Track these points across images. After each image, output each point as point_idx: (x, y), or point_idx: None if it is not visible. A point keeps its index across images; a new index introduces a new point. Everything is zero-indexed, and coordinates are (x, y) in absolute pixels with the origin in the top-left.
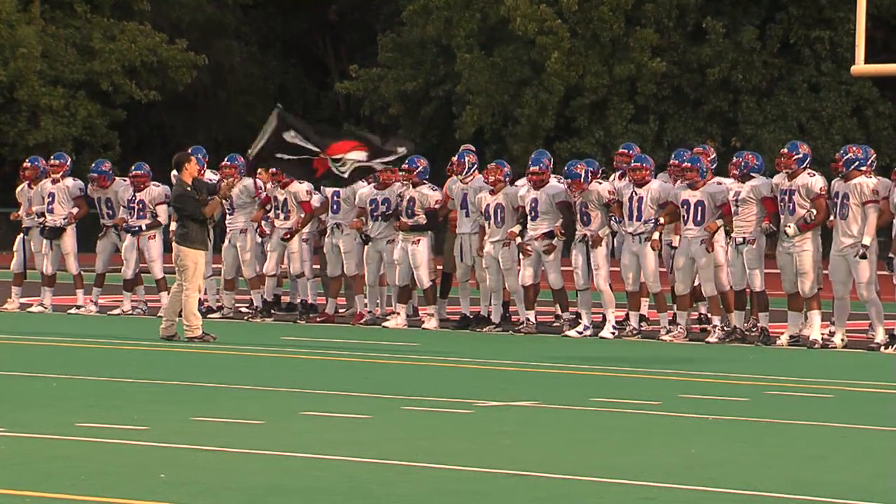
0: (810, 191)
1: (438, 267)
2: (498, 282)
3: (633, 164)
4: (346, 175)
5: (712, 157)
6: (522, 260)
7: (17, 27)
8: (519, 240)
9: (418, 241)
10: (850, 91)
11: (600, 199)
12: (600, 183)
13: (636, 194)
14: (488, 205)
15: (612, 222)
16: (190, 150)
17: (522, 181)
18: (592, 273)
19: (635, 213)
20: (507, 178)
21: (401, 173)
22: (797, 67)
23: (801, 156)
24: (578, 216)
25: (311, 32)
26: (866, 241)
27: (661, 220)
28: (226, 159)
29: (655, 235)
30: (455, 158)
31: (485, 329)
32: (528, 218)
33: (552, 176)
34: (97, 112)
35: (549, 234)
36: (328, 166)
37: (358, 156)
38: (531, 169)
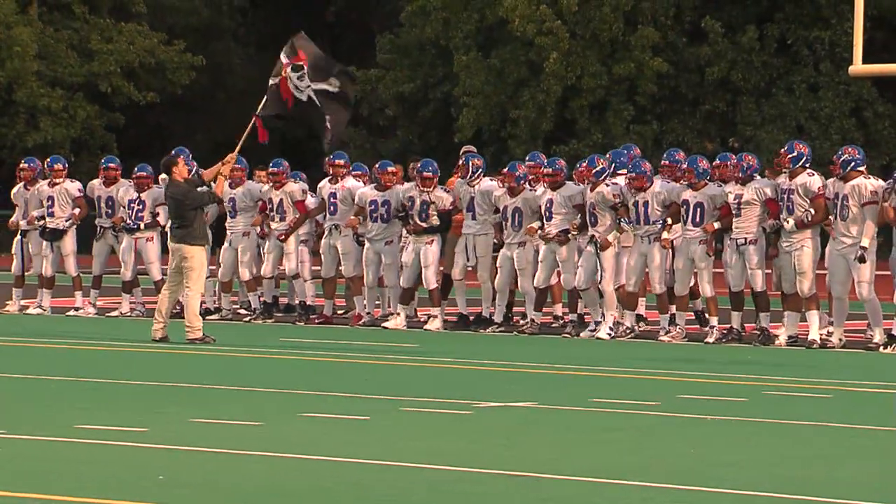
0: (808, 190)
1: (441, 268)
2: (506, 283)
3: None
4: (303, 97)
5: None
6: (540, 263)
7: (14, 28)
8: (540, 232)
9: (431, 241)
10: (849, 91)
11: (606, 201)
12: (607, 185)
13: (641, 198)
14: (506, 206)
15: (621, 224)
16: (174, 152)
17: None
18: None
19: (642, 217)
20: (523, 181)
21: (415, 176)
22: (795, 68)
23: (795, 154)
24: (587, 217)
25: (308, 33)
26: (865, 242)
27: (669, 220)
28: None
29: (665, 234)
30: (461, 161)
31: (487, 329)
32: (543, 218)
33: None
34: (95, 114)
35: (565, 232)
36: (288, 87)
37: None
38: (545, 171)
